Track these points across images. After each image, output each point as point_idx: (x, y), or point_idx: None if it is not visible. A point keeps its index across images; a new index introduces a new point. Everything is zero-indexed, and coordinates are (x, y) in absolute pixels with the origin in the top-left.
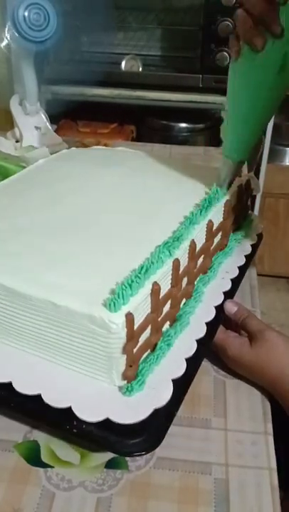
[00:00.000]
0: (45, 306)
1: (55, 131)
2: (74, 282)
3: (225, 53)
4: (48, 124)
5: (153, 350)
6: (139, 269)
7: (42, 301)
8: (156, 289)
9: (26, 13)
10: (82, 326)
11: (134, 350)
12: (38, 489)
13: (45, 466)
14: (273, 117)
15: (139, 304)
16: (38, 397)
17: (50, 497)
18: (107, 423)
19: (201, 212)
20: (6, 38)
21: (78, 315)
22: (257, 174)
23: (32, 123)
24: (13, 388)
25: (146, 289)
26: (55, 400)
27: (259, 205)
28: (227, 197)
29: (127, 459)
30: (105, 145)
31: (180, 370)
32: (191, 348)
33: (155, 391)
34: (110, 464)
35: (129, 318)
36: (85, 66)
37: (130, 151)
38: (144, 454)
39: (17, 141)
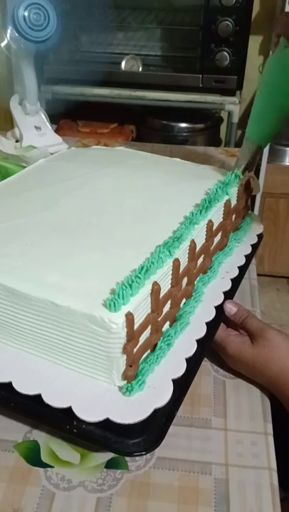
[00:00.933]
0: (46, 306)
1: (55, 131)
2: (74, 282)
3: (225, 53)
4: (48, 124)
5: (153, 350)
6: (140, 269)
7: (42, 301)
8: (156, 288)
9: (26, 13)
10: (82, 326)
11: (135, 350)
12: (37, 489)
13: (45, 466)
14: None
15: (140, 304)
16: (38, 397)
17: (50, 497)
18: (107, 423)
19: (201, 212)
20: (6, 37)
21: (78, 315)
22: (257, 174)
23: (32, 123)
24: (13, 388)
25: (147, 288)
26: (55, 400)
27: (259, 205)
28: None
29: (127, 458)
30: (105, 145)
31: (180, 369)
32: (191, 348)
33: (155, 391)
34: (110, 464)
35: (130, 318)
36: (85, 66)
37: (130, 151)
38: (144, 454)
39: (17, 141)
